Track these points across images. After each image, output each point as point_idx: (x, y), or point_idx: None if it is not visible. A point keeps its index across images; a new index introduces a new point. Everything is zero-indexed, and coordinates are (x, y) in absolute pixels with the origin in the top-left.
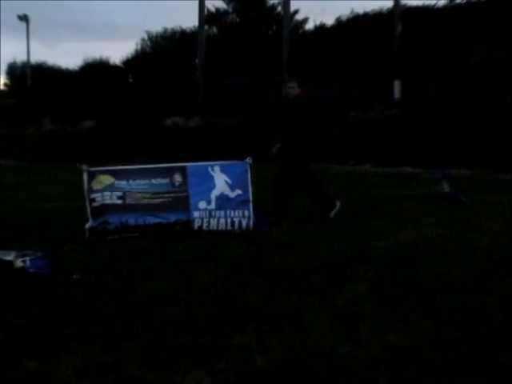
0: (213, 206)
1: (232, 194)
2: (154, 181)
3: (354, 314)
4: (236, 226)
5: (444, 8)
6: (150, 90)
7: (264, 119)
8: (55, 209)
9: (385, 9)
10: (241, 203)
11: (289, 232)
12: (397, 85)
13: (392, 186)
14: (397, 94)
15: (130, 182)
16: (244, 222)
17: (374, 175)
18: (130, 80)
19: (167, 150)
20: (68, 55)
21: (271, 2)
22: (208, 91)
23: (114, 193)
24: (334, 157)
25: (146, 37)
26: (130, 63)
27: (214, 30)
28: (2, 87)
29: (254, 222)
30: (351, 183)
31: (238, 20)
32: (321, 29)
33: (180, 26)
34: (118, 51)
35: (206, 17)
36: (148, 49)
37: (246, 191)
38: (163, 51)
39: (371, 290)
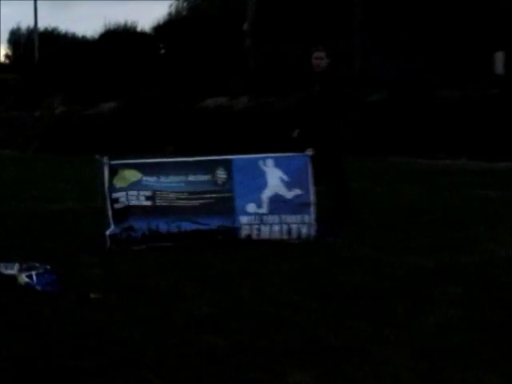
0: (264, 209)
1: (289, 195)
2: (191, 177)
3: (441, 349)
4: (294, 234)
5: None
6: (186, 63)
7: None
8: (67, 211)
9: None
10: (300, 206)
11: (358, 242)
12: (499, 57)
13: (492, 185)
14: (499, 68)
15: (162, 178)
16: (304, 230)
17: (469, 172)
18: (162, 51)
19: (208, 138)
20: (85, 20)
21: None
22: (259, 64)
23: (141, 192)
24: (419, 149)
25: None
26: (162, 30)
27: None
28: (3, 59)
29: (315, 230)
30: (440, 181)
31: None
32: None
33: None
34: (146, 15)
35: None
36: (185, 12)
37: (306, 191)
38: (203, 15)
39: (463, 318)
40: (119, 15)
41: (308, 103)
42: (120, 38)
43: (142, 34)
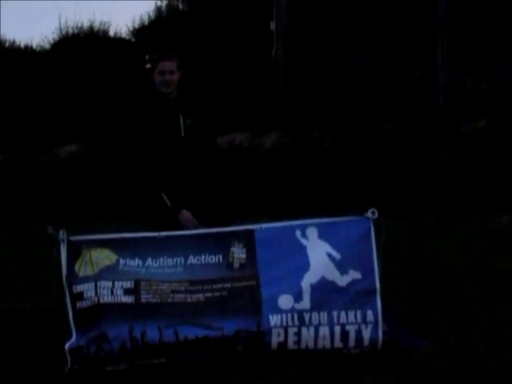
0: (306, 303)
1: (342, 281)
2: (193, 259)
3: None
4: (351, 340)
5: None
6: (186, 83)
7: (407, 131)
8: (8, 312)
9: None
10: (359, 297)
11: (457, 349)
12: None
13: None
14: None
15: (149, 261)
16: (366, 333)
17: None
18: (148, 65)
19: (219, 192)
20: (31, 20)
21: None
22: (295, 83)
23: (118, 282)
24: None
25: None
26: (147, 33)
27: None
28: None
29: (385, 333)
30: None
31: None
32: None
33: None
34: (124, 11)
35: None
36: (182, 5)
37: (368, 273)
38: (209, 9)
39: None
40: (83, 12)
41: (166, 154)
42: (84, 47)
43: (118, 40)
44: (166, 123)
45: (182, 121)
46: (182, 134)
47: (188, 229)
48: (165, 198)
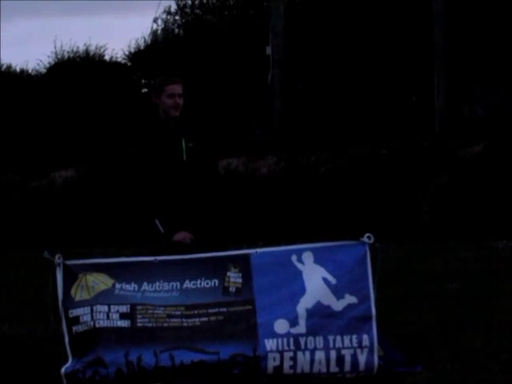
0: (302, 327)
1: (338, 305)
2: (189, 284)
3: None
4: (347, 364)
5: None
6: (187, 107)
7: (403, 156)
8: (2, 337)
9: None
10: (355, 322)
11: (452, 374)
12: None
13: None
14: None
15: (145, 285)
16: (362, 358)
17: None
18: (144, 90)
19: (218, 216)
20: (27, 44)
21: None
22: (290, 107)
23: (114, 307)
24: None
25: (173, 7)
26: (144, 57)
27: None
28: None
29: (381, 357)
30: None
31: None
32: None
33: None
34: (120, 35)
35: None
36: (177, 29)
37: (364, 298)
38: (206, 33)
39: None
40: (79, 36)
41: (167, 177)
42: (79, 71)
43: (114, 64)
44: (168, 147)
45: (184, 144)
46: (184, 158)
47: (185, 242)
48: (158, 224)
